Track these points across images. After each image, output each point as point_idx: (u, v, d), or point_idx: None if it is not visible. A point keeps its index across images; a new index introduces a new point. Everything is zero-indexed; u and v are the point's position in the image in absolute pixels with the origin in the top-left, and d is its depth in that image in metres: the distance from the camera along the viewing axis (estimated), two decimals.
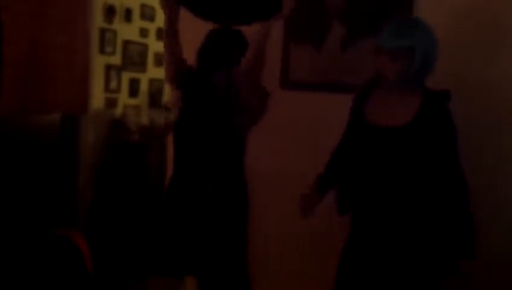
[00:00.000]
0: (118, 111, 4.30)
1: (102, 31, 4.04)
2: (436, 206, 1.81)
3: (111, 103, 4.22)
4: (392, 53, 1.77)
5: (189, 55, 2.23)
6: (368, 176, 1.87)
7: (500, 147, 2.20)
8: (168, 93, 4.44)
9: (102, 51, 4.06)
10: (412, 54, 1.76)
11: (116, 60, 4.23)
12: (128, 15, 4.31)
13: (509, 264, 2.18)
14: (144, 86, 4.58)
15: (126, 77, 4.38)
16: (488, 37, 2.20)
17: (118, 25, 4.20)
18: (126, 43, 4.32)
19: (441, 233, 1.81)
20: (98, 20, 3.98)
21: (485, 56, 2.21)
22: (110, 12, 4.09)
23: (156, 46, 4.67)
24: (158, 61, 4.72)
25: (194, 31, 2.21)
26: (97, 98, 4.05)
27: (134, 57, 4.44)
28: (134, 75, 4.47)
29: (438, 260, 1.82)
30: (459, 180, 1.81)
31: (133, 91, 4.47)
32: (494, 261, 2.13)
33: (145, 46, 4.55)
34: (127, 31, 4.32)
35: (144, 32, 4.52)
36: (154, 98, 4.67)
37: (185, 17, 2.16)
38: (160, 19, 4.70)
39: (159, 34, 4.71)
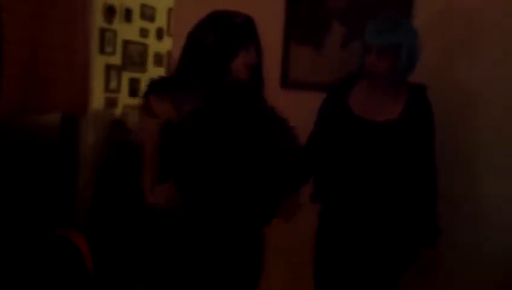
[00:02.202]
0: (118, 111, 4.30)
1: (102, 31, 4.04)
2: (406, 195, 1.89)
3: (111, 103, 4.23)
4: (380, 50, 1.80)
5: None
6: (349, 167, 1.90)
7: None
8: None
9: (102, 51, 4.06)
10: (398, 51, 1.79)
11: (116, 60, 4.23)
12: (128, 15, 4.31)
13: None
14: (144, 86, 4.57)
15: (126, 77, 4.38)
16: (485, 37, 2.20)
17: (118, 25, 4.20)
18: (126, 43, 4.32)
19: (407, 220, 1.89)
20: (98, 20, 3.98)
21: (482, 56, 2.21)
22: (110, 12, 4.09)
23: (156, 46, 4.67)
24: (158, 61, 4.73)
25: None
26: (97, 98, 4.05)
27: (134, 57, 4.44)
28: (134, 75, 4.47)
29: (402, 248, 1.90)
30: (432, 171, 1.90)
31: (133, 91, 4.47)
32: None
33: (145, 46, 4.55)
34: (127, 31, 4.32)
35: (144, 32, 4.52)
36: None
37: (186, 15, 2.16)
38: (160, 19, 4.72)
39: (159, 34, 4.71)
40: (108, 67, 4.16)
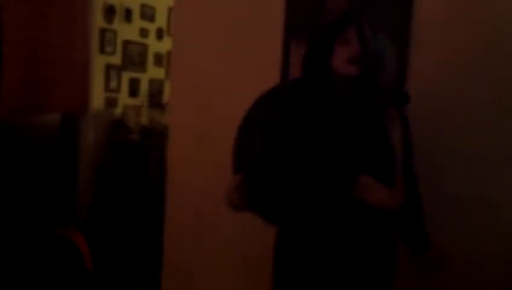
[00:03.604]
0: (118, 111, 4.30)
1: (102, 31, 4.05)
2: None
3: (111, 103, 4.23)
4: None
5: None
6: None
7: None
8: (168, 93, 4.45)
9: (102, 51, 4.06)
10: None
11: (116, 60, 4.24)
12: (128, 15, 4.31)
13: None
14: (144, 86, 4.58)
15: (126, 77, 4.38)
16: (483, 34, 2.21)
17: (118, 25, 4.20)
18: (126, 43, 4.32)
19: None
20: (98, 20, 3.98)
21: (482, 56, 2.21)
22: (110, 12, 4.09)
23: (156, 46, 4.67)
24: (158, 61, 4.73)
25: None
26: (97, 98, 4.05)
27: (134, 57, 4.44)
28: (134, 75, 4.47)
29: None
30: (410, 180, 1.75)
31: (133, 91, 4.47)
32: None
33: (145, 46, 4.56)
34: (127, 31, 4.32)
35: (144, 32, 4.53)
36: (154, 98, 4.67)
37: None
38: (160, 19, 4.72)
39: (159, 34, 4.71)
40: (108, 67, 4.16)
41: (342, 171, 1.52)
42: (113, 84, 4.23)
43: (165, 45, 4.68)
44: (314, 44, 1.66)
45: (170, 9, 4.62)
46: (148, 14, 4.56)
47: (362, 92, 1.59)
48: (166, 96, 4.63)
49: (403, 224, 1.80)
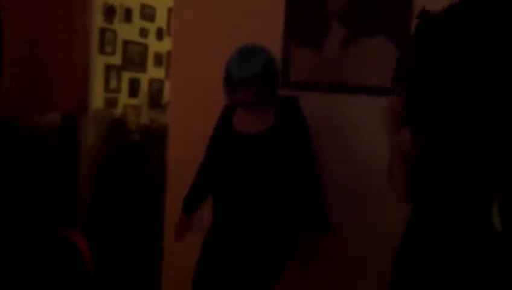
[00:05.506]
0: (118, 111, 4.30)
1: (102, 31, 4.05)
2: (290, 194, 2.06)
3: (111, 103, 4.23)
4: (245, 83, 1.96)
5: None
6: (231, 177, 2.08)
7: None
8: (168, 93, 4.45)
9: (102, 51, 4.06)
10: (259, 80, 1.97)
11: (116, 60, 4.24)
12: (128, 15, 4.31)
13: None
14: (144, 86, 4.58)
15: (126, 77, 4.38)
16: None
17: (118, 25, 4.20)
18: (126, 43, 4.32)
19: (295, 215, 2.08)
20: (98, 20, 3.98)
21: None
22: (110, 12, 4.09)
23: (156, 46, 4.67)
24: (158, 61, 4.73)
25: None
26: (97, 98, 4.06)
27: (134, 57, 4.45)
28: (134, 75, 4.47)
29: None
30: (312, 171, 2.08)
31: (133, 91, 4.47)
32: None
33: (145, 46, 4.56)
34: (127, 31, 4.32)
35: (144, 32, 4.53)
36: (154, 98, 4.67)
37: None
38: (160, 19, 4.72)
39: (159, 34, 4.72)
40: (108, 67, 4.16)
41: None
42: (113, 84, 4.23)
43: (165, 45, 4.68)
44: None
45: (170, 10, 4.62)
46: (148, 14, 4.56)
47: None
48: (166, 96, 4.63)
49: (306, 207, 2.07)
